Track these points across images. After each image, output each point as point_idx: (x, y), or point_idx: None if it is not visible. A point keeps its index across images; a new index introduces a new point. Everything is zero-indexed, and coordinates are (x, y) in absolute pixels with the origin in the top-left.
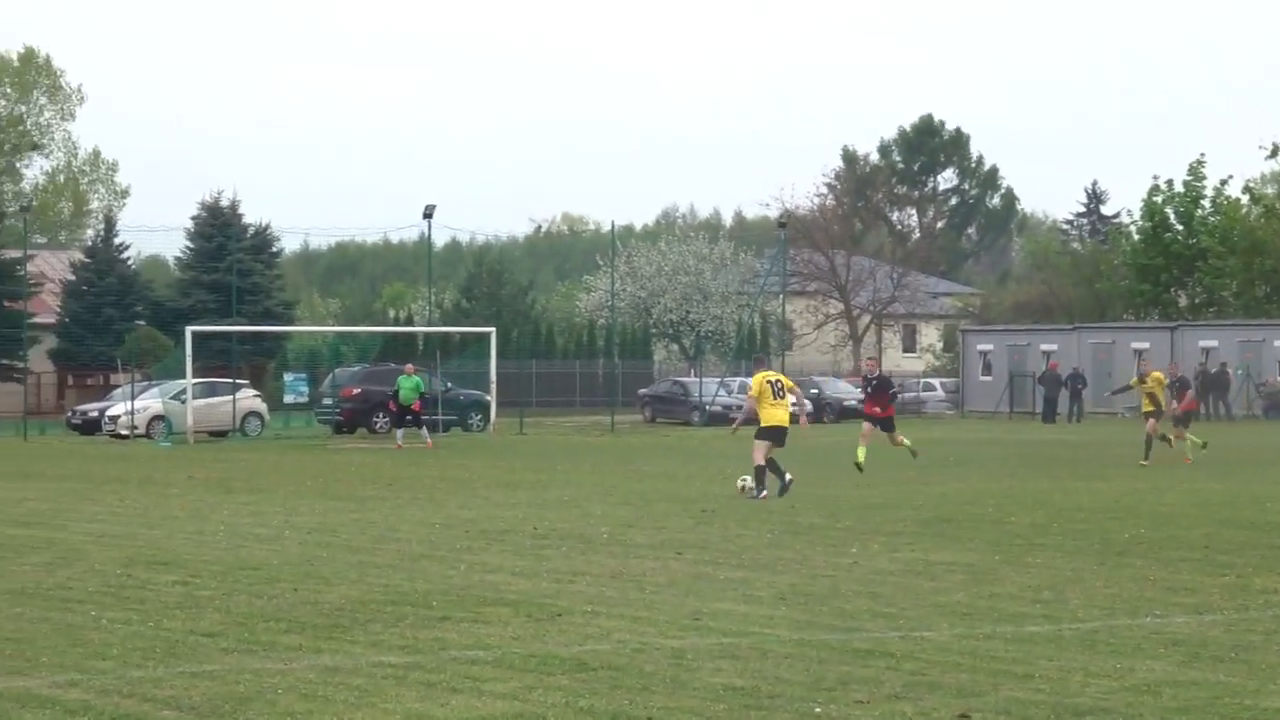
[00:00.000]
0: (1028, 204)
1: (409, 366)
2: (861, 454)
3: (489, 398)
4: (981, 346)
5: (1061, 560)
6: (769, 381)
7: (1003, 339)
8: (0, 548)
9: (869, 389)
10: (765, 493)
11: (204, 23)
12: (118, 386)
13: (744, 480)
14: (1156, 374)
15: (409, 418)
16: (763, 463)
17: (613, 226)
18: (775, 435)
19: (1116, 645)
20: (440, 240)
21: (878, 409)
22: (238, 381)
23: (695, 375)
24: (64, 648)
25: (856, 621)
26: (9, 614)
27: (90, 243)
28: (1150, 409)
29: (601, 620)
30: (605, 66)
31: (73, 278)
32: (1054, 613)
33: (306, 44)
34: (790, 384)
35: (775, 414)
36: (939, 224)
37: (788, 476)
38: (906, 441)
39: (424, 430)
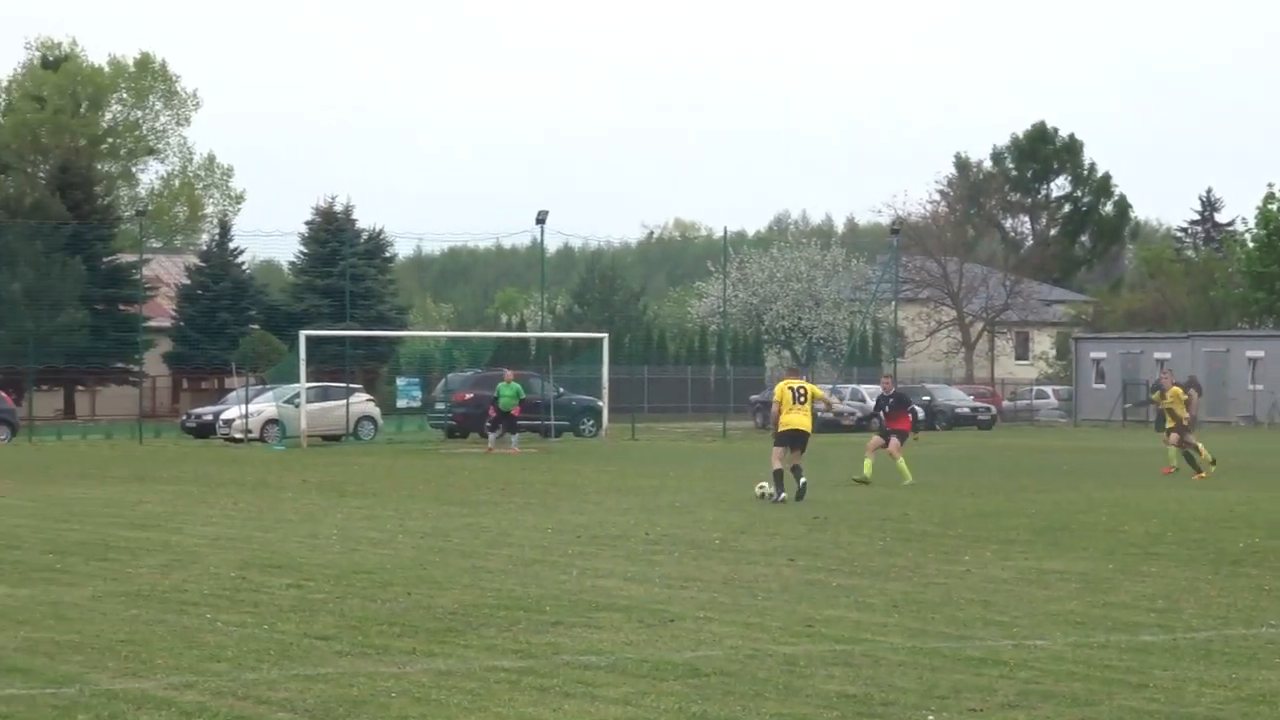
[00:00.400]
0: (1141, 211)
1: (508, 374)
2: (868, 467)
3: (601, 403)
4: (1095, 354)
5: (1176, 569)
6: (791, 388)
7: (1116, 347)
8: (116, 550)
9: (885, 408)
10: (784, 495)
11: (318, 29)
12: (232, 390)
13: (763, 486)
14: (1175, 389)
15: (505, 423)
16: (779, 466)
17: (725, 232)
18: (789, 439)
19: (1232, 655)
20: (553, 246)
21: (898, 426)
22: (351, 386)
23: None
24: (179, 650)
25: (969, 629)
26: (125, 616)
27: (205, 247)
28: (1171, 424)
29: (714, 626)
30: (717, 73)
31: (188, 282)
32: (1168, 622)
33: (420, 49)
34: (819, 392)
35: (791, 419)
36: (1052, 231)
37: (803, 480)
38: (885, 459)
39: (515, 437)
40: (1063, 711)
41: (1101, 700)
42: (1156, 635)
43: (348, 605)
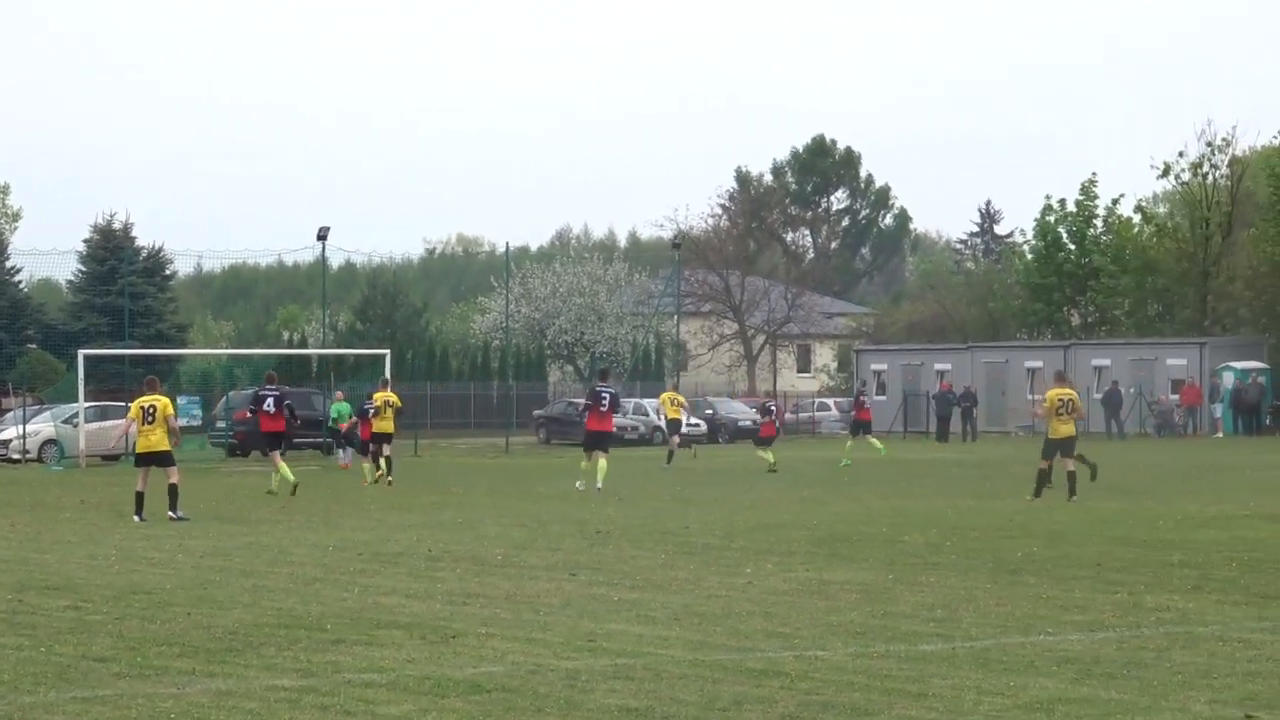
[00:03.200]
0: (921, 223)
1: (339, 394)
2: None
3: None
4: (876, 366)
5: (955, 579)
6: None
7: (897, 358)
8: None
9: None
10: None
11: (92, 43)
12: (9, 410)
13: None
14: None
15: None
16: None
17: (507, 248)
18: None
19: (1009, 663)
20: (335, 262)
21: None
22: (130, 405)
23: None
24: None
25: (750, 641)
26: None
27: None
28: None
29: (496, 642)
30: (495, 85)
31: None
32: (947, 631)
33: (199, 63)
34: (397, 401)
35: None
36: (832, 244)
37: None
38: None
39: (346, 453)
40: None
41: (881, 710)
42: (935, 644)
43: (126, 626)
